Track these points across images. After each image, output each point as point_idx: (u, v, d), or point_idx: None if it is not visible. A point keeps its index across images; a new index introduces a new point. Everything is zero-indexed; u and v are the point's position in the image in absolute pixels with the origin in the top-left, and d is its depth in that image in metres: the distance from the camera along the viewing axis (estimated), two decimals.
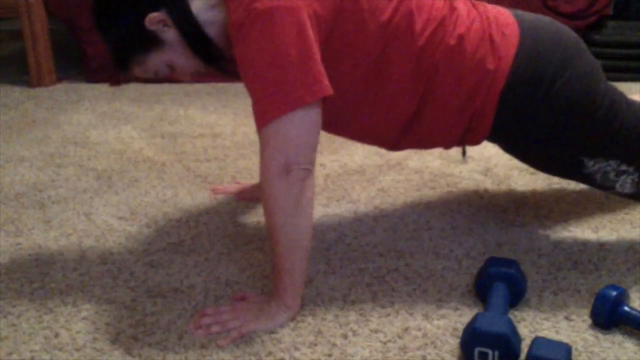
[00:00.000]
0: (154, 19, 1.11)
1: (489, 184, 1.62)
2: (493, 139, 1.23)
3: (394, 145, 1.28)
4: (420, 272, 1.22)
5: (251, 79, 1.04)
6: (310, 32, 1.02)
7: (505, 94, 1.14)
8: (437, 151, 1.57)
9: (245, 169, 1.74)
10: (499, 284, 1.09)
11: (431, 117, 1.18)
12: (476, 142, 1.24)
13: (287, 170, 1.00)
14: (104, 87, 2.61)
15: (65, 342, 1.04)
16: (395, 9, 1.11)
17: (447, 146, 1.29)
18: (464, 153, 1.39)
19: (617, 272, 1.21)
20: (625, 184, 1.20)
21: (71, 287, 1.20)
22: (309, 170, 1.03)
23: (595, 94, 1.16)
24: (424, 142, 1.28)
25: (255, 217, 1.47)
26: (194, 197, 1.58)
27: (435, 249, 1.31)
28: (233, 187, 1.60)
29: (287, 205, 1.02)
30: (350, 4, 1.09)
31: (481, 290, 1.12)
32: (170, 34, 1.13)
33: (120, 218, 1.47)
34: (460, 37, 1.13)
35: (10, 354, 1.02)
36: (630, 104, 1.20)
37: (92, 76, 2.69)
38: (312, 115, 1.02)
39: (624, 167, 1.18)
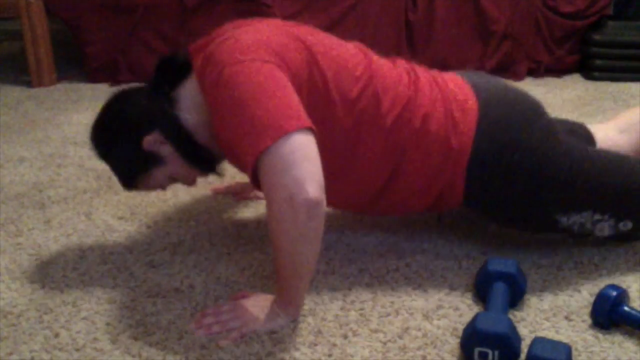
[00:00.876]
0: (151, 141, 1.16)
1: None
2: (468, 207, 1.25)
3: (364, 211, 1.31)
4: (420, 272, 1.22)
5: (230, 127, 1.02)
6: (282, 78, 1.02)
7: (471, 167, 1.17)
8: None
9: None
10: (499, 284, 1.09)
11: (401, 190, 1.20)
12: (450, 209, 1.27)
13: (291, 200, 0.94)
14: (104, 87, 2.61)
15: (65, 342, 1.04)
16: (362, 91, 1.13)
17: (420, 212, 1.31)
18: (439, 219, 1.40)
19: (617, 272, 1.21)
20: (603, 229, 1.21)
21: (71, 287, 1.20)
22: (316, 201, 0.95)
23: (555, 156, 1.17)
24: (395, 211, 1.30)
25: (255, 217, 1.47)
26: (194, 197, 1.58)
27: (435, 249, 1.31)
28: (233, 187, 1.60)
29: (292, 236, 0.98)
30: (319, 77, 1.10)
31: (481, 290, 1.12)
32: (167, 151, 1.17)
33: (120, 218, 1.47)
34: (425, 118, 1.15)
35: (10, 354, 1.02)
36: (592, 155, 1.22)
37: (92, 76, 2.70)
38: (299, 139, 0.96)
39: (597, 217, 1.19)
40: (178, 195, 1.59)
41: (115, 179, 1.67)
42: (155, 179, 1.22)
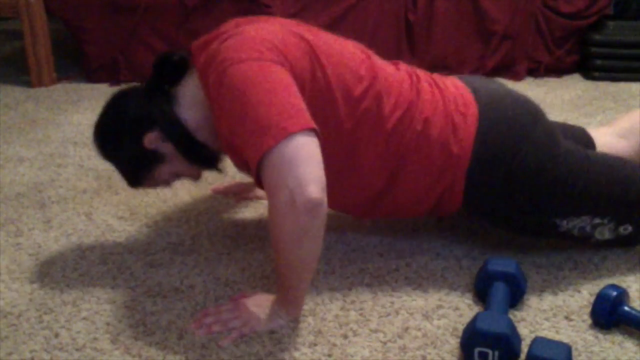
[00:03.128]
0: (151, 139, 1.17)
1: None
2: (469, 213, 1.26)
3: (363, 215, 1.32)
4: (420, 272, 1.22)
5: (235, 127, 1.02)
6: (284, 76, 1.02)
7: (470, 173, 1.17)
8: None
9: None
10: (499, 284, 1.09)
11: (400, 195, 1.20)
12: (448, 214, 1.27)
13: (292, 199, 0.93)
14: (104, 87, 2.61)
15: (65, 342, 1.04)
16: (365, 90, 1.12)
17: (420, 216, 1.32)
18: (439, 220, 1.41)
19: (617, 272, 1.21)
20: (603, 233, 1.21)
21: (71, 287, 1.20)
22: (317, 202, 0.94)
23: (555, 161, 1.18)
24: (394, 215, 1.32)
25: (255, 216, 1.47)
26: (194, 197, 1.58)
27: (435, 249, 1.31)
28: (233, 187, 1.60)
29: (294, 235, 0.97)
30: (321, 75, 1.09)
31: (481, 290, 1.12)
32: (168, 148, 1.18)
33: (120, 218, 1.47)
34: (426, 123, 1.15)
35: (10, 354, 1.02)
36: (592, 159, 1.21)
37: (92, 76, 2.70)
38: (301, 139, 0.95)
39: (597, 220, 1.19)
40: (178, 195, 1.59)
41: (115, 179, 1.68)
42: (160, 176, 1.24)
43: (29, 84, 2.64)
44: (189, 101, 1.16)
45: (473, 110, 1.18)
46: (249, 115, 0.98)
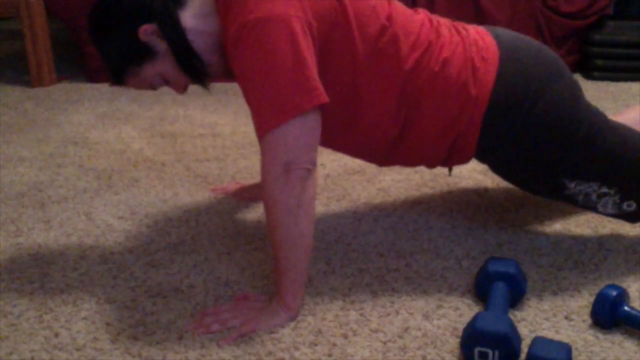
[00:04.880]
0: (147, 30, 1.13)
1: (489, 184, 1.62)
2: (478, 159, 1.25)
3: (381, 162, 1.32)
4: (420, 272, 1.22)
5: (249, 91, 1.05)
6: (303, 40, 1.02)
7: (487, 118, 1.16)
8: None
9: (245, 169, 1.74)
10: (499, 283, 1.09)
11: (414, 139, 1.20)
12: (461, 162, 1.26)
13: (287, 171, 1.01)
14: (104, 87, 2.61)
15: (65, 342, 1.04)
16: (382, 29, 1.12)
17: (431, 166, 1.32)
18: (450, 169, 1.40)
19: (617, 272, 1.21)
20: (607, 205, 1.21)
21: (71, 287, 1.20)
22: (309, 170, 1.03)
23: (574, 117, 1.17)
24: (408, 161, 1.31)
25: (255, 216, 1.47)
26: (194, 197, 1.58)
27: (435, 249, 1.31)
28: (233, 187, 1.60)
29: (288, 206, 1.03)
30: (342, 18, 1.09)
31: (481, 290, 1.12)
32: (162, 46, 1.14)
33: (120, 218, 1.47)
34: (444, 63, 1.15)
35: (10, 354, 1.02)
36: (611, 126, 1.20)
37: (92, 76, 2.70)
38: (310, 120, 1.03)
39: (604, 190, 1.19)
40: (178, 195, 1.59)
41: (115, 179, 1.68)
42: (146, 75, 1.18)
43: (29, 84, 2.64)
44: (196, 10, 1.14)
45: (494, 54, 1.17)
46: (264, 84, 1.02)
